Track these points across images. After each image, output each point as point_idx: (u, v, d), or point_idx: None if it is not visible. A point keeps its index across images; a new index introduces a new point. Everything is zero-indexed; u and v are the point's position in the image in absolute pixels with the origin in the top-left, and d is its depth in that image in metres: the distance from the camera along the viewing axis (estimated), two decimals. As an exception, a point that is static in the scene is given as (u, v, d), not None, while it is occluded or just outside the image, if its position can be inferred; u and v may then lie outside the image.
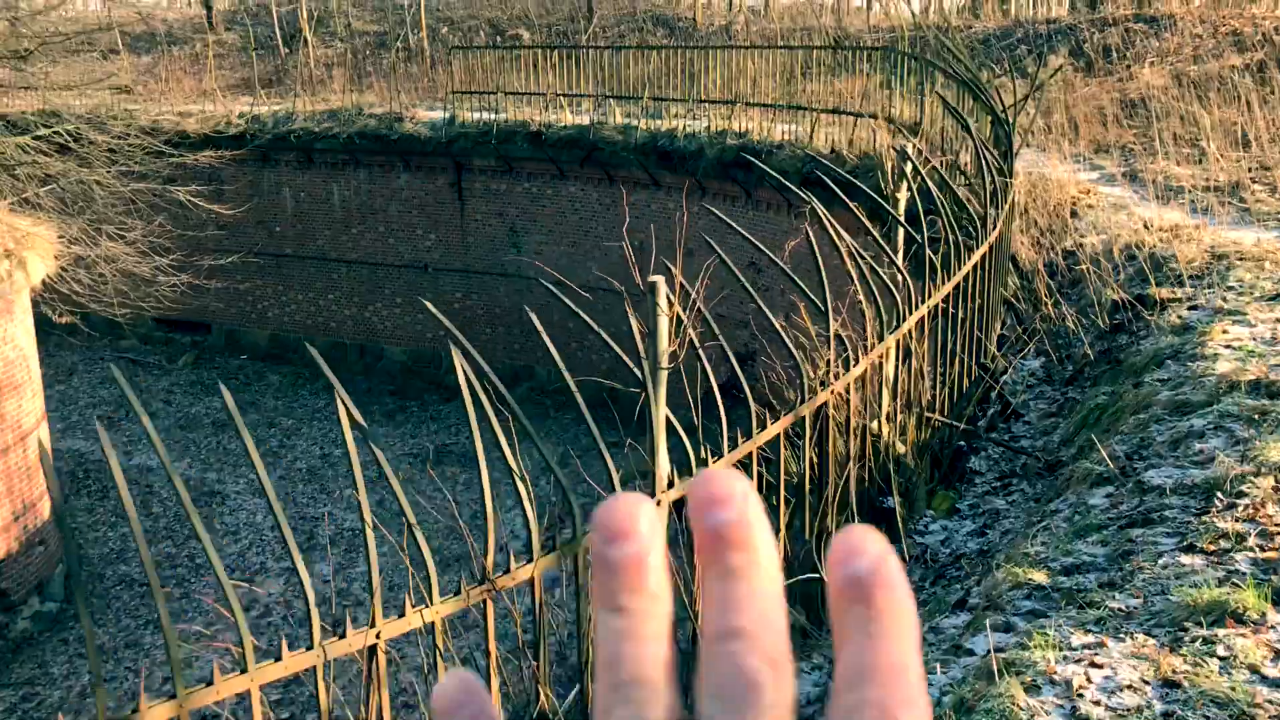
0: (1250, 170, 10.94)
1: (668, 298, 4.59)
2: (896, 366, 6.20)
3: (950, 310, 6.56)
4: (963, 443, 6.60)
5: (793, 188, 6.90)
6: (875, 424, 5.91)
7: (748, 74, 17.35)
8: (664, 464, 4.53)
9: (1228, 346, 6.03)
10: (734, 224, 5.78)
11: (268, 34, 29.06)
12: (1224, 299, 6.94)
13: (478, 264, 22.89)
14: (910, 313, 6.04)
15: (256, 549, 16.17)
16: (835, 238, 5.73)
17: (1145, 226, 9.02)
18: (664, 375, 4.55)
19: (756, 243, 5.41)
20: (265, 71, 27.75)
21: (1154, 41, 16.31)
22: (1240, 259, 7.82)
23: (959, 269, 6.57)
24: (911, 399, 6.12)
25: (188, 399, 22.77)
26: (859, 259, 5.72)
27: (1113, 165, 12.39)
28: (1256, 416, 4.87)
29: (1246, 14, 16.00)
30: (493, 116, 21.54)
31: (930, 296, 6.29)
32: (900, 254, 6.54)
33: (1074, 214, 10.36)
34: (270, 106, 24.53)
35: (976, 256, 6.74)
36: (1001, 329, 8.11)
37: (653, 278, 4.55)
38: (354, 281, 24.14)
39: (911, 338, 6.13)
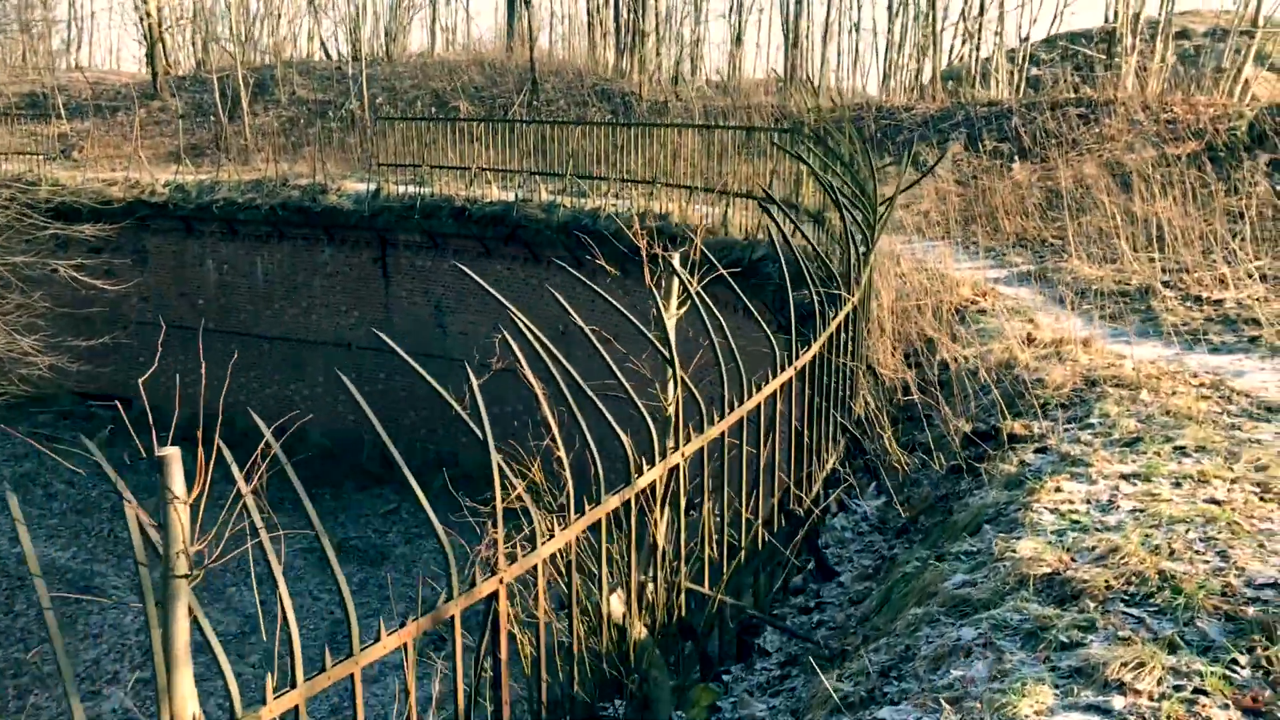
0: (1167, 272, 9.86)
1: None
2: (665, 522, 5.04)
3: (757, 438, 5.42)
4: (754, 613, 5.40)
5: (689, 283, 5.80)
6: (613, 598, 4.74)
7: (667, 153, 16.39)
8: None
9: (1053, 511, 4.87)
10: (623, 309, 4.70)
11: (212, 101, 28.31)
12: (1076, 441, 5.79)
13: (402, 343, 21.77)
14: (679, 447, 4.90)
15: (115, 654, 14.86)
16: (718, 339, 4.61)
17: (1027, 340, 7.91)
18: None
19: (579, 330, 4.29)
20: (204, 139, 26.96)
21: (1094, 128, 15.37)
22: (1116, 385, 6.68)
23: (752, 394, 5.44)
24: (668, 564, 4.95)
25: (90, 481, 21.56)
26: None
27: (1026, 262, 11.33)
28: (1036, 631, 3.70)
29: (1191, 100, 15.07)
30: (419, 190, 20.62)
31: (712, 425, 5.15)
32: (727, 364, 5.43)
33: (964, 319, 9.26)
34: (197, 175, 23.65)
35: (777, 382, 5.61)
36: (839, 460, 6.95)
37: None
38: (276, 358, 23.05)
39: (676, 482, 4.98)
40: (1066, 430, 6.04)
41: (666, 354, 5.02)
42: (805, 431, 6.23)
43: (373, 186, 21.24)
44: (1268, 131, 12.93)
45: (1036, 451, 5.84)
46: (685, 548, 5.10)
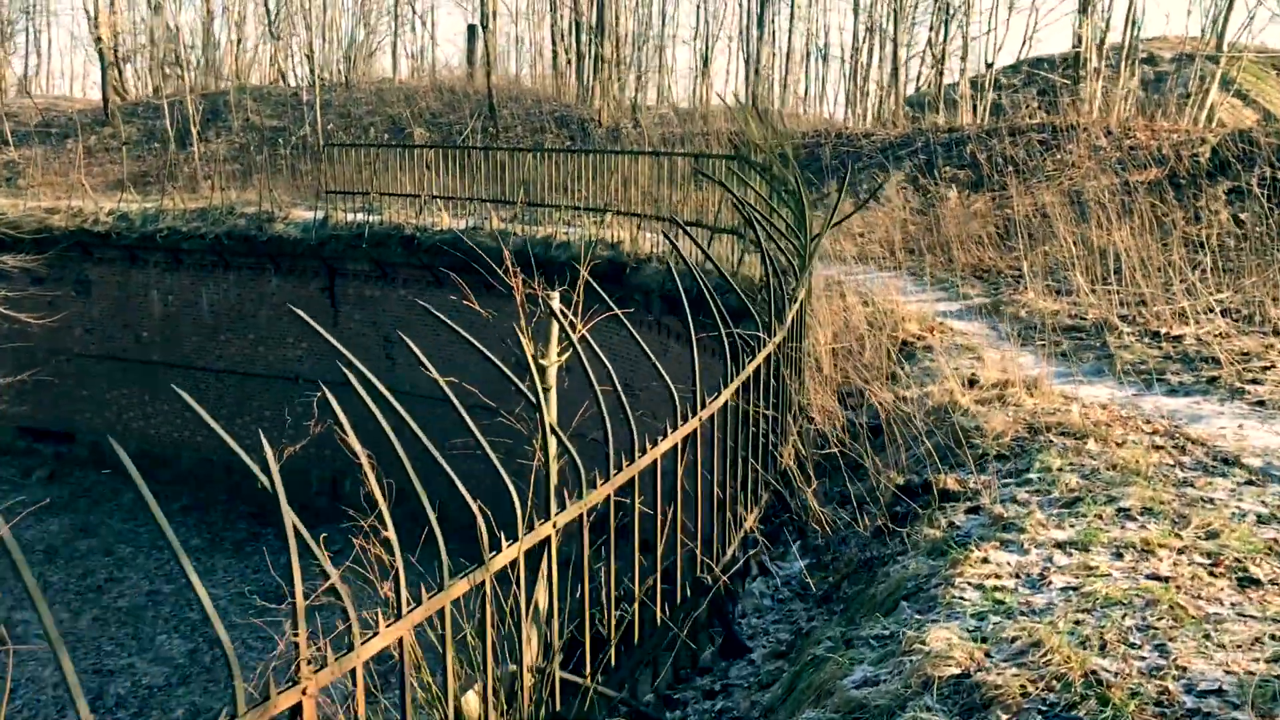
0: (1125, 305, 9.33)
1: None
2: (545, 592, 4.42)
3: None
4: (635, 705, 4.76)
5: (616, 310, 5.19)
6: (469, 695, 4.10)
7: (618, 180, 15.84)
8: None
9: (977, 587, 4.27)
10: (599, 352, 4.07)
11: (164, 127, 27.64)
12: (1012, 500, 5.20)
13: (341, 376, 21.13)
14: (550, 516, 4.28)
15: (29, 710, 14.05)
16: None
17: (969, 382, 7.33)
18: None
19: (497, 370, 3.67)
20: (155, 166, 26.27)
21: (1056, 154, 14.90)
22: (1061, 434, 6.10)
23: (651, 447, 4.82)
24: (521, 648, 4.31)
25: (26, 521, 20.72)
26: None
27: (981, 295, 10.78)
28: (937, 753, 3.08)
29: (1154, 126, 14.63)
30: (367, 218, 20.01)
31: (593, 489, 4.52)
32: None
33: (911, 356, 8.69)
34: (142, 204, 22.97)
35: (677, 435, 4.99)
36: (760, 517, 6.33)
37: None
38: (222, 391, 22.30)
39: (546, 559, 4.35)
40: (1004, 487, 5.45)
41: (533, 401, 4.40)
42: (719, 487, 5.62)
43: (320, 215, 20.61)
44: (1230, 159, 12.47)
45: (968, 512, 5.24)
46: (564, 629, 4.47)
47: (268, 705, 3.22)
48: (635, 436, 4.56)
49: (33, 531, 20.07)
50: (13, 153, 27.71)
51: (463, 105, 25.39)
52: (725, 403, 5.60)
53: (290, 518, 3.24)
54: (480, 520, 4.00)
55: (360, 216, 20.13)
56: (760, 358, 5.94)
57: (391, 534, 3.75)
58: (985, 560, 4.50)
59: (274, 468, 3.50)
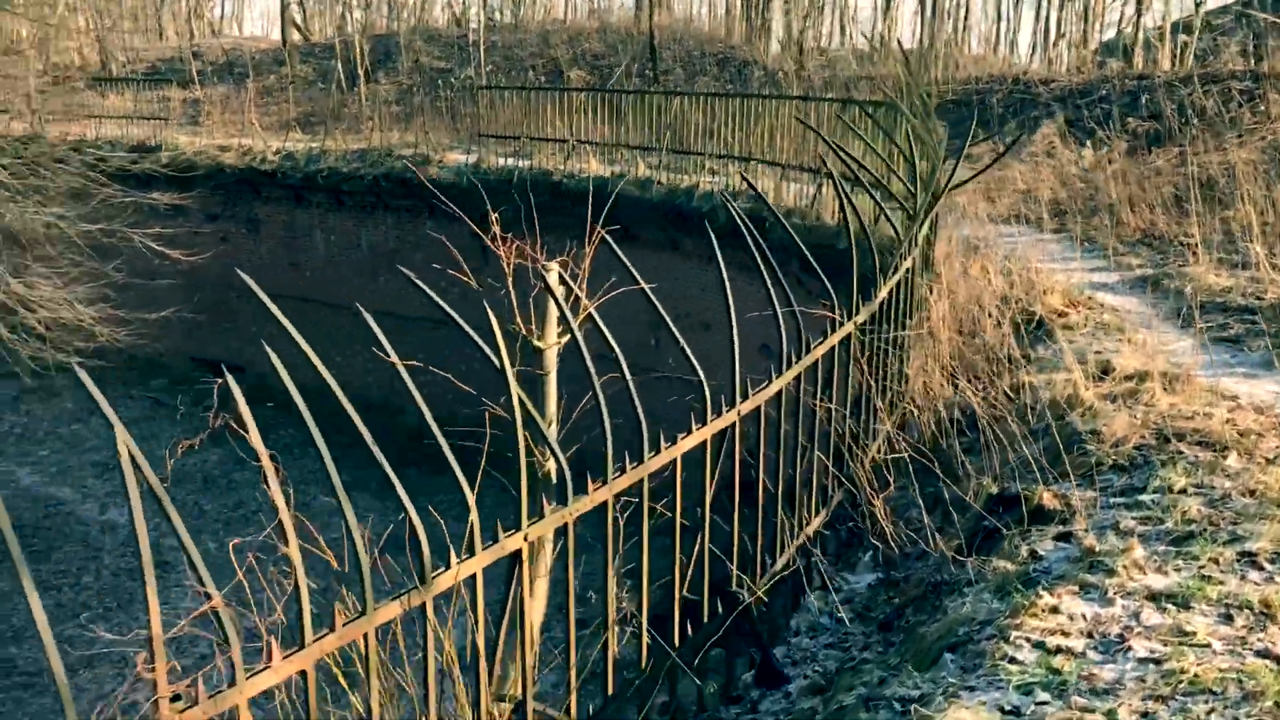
0: (1315, 285, 8.00)
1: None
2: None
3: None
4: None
5: (563, 307, 4.64)
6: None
7: (765, 127, 14.96)
8: None
9: (1037, 646, 3.46)
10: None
11: (335, 68, 28.09)
12: (1113, 527, 4.30)
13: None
14: (521, 527, 3.70)
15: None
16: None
17: (1103, 371, 6.32)
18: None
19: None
20: (325, 107, 26.72)
21: (1258, 106, 13.18)
22: (1197, 443, 5.10)
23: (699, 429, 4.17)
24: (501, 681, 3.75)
25: (190, 450, 21.52)
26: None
27: (1145, 265, 9.53)
28: None
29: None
30: (516, 164, 19.71)
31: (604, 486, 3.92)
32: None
33: (1049, 335, 7.65)
34: (307, 144, 23.35)
35: (711, 429, 4.31)
36: (828, 520, 5.57)
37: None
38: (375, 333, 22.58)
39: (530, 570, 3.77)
40: (1107, 509, 4.54)
41: (519, 396, 3.79)
42: (769, 484, 4.90)
43: (473, 159, 20.44)
44: None
45: (1058, 539, 4.37)
46: (531, 659, 3.89)
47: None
48: (646, 433, 3.89)
49: (193, 460, 20.84)
50: (198, 91, 28.70)
51: (625, 48, 24.76)
52: (780, 391, 4.86)
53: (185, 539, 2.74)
54: (422, 543, 3.44)
55: (511, 161, 19.85)
56: (829, 343, 5.15)
57: (324, 546, 3.23)
58: (1055, 610, 3.67)
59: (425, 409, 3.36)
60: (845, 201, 5.69)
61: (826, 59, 24.00)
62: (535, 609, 4.09)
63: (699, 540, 4.47)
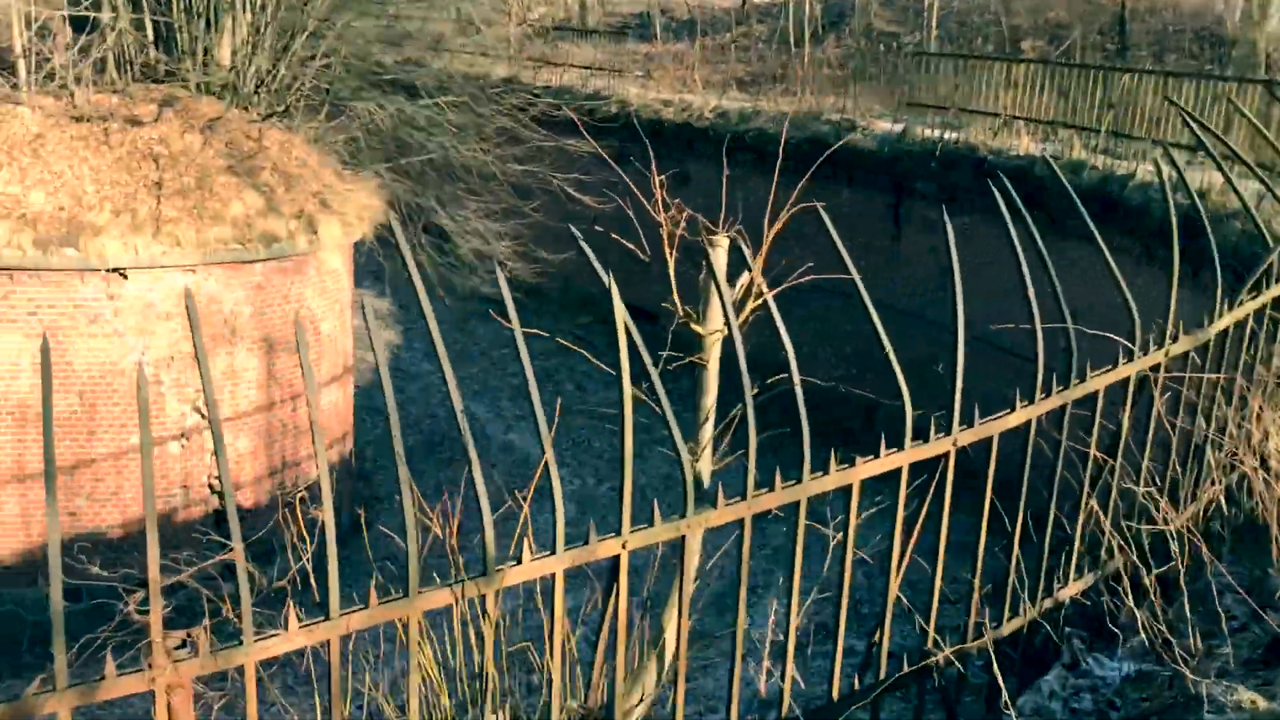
0: None
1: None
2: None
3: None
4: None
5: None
6: None
7: (1218, 114, 12.91)
8: None
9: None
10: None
11: (786, 29, 28.00)
12: None
13: (900, 302, 20.04)
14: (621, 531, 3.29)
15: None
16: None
17: None
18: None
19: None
20: (771, 67, 26.77)
21: None
22: None
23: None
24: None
25: (597, 385, 22.66)
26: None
27: None
28: None
29: None
30: (941, 136, 18.60)
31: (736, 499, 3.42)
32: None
33: None
34: (741, 103, 23.51)
35: (908, 456, 3.61)
36: (1105, 577, 4.53)
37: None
38: (778, 301, 22.43)
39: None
40: None
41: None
42: (1008, 528, 4.04)
43: (898, 128, 19.55)
44: None
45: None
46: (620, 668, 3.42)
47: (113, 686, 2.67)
48: (753, 456, 3.28)
49: (600, 396, 21.84)
50: (659, 46, 29.85)
51: (1096, 17, 22.48)
52: (1031, 420, 3.98)
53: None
54: (488, 517, 3.09)
55: (937, 133, 18.76)
56: (1114, 375, 4.15)
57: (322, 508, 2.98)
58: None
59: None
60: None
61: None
62: (669, 620, 3.61)
63: (895, 571, 3.77)
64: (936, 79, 19.46)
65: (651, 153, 6.41)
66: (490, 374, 23.52)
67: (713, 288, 3.63)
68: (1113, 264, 4.64)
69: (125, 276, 12.12)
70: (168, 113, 13.25)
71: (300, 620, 2.78)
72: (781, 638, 3.66)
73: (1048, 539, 4.18)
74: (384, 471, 17.38)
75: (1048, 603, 4.28)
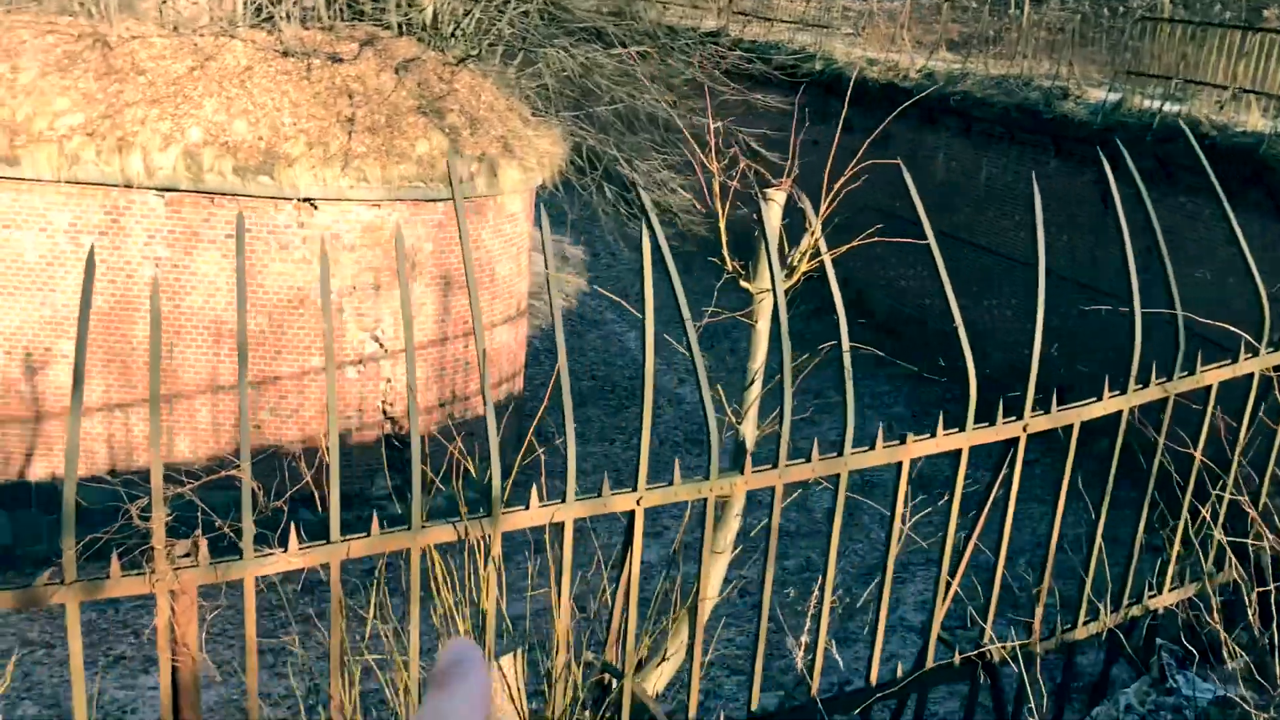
0: None
1: None
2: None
3: None
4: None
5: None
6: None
7: None
8: None
9: None
10: None
11: (1013, -11, 26.62)
12: None
13: (1105, 283, 18.91)
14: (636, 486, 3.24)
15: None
16: None
17: None
18: None
19: None
20: (987, 28, 25.58)
21: None
22: None
23: None
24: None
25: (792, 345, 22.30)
26: None
27: None
28: None
29: None
30: (1161, 108, 17.38)
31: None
32: None
33: None
34: (949, 65, 22.57)
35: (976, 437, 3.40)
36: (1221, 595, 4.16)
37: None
38: (974, 270, 21.57)
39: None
40: None
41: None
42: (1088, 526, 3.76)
43: (1114, 98, 18.35)
44: None
45: None
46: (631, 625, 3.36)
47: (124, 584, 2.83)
48: (787, 421, 3.13)
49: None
50: (872, 3, 28.98)
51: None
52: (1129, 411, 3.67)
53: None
54: (496, 459, 3.09)
55: (1156, 104, 17.53)
56: (1243, 368, 3.77)
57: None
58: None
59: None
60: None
61: None
62: (711, 583, 3.54)
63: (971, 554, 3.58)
64: (1162, 46, 18.14)
65: (845, 111, 6.24)
66: (670, 326, 23.53)
67: (763, 246, 3.48)
68: None
69: (315, 207, 12.73)
70: (367, 51, 13.77)
71: (300, 543, 2.85)
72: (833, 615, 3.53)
73: (1138, 542, 3.87)
74: (552, 413, 17.74)
75: (1135, 609, 3.98)
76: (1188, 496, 3.92)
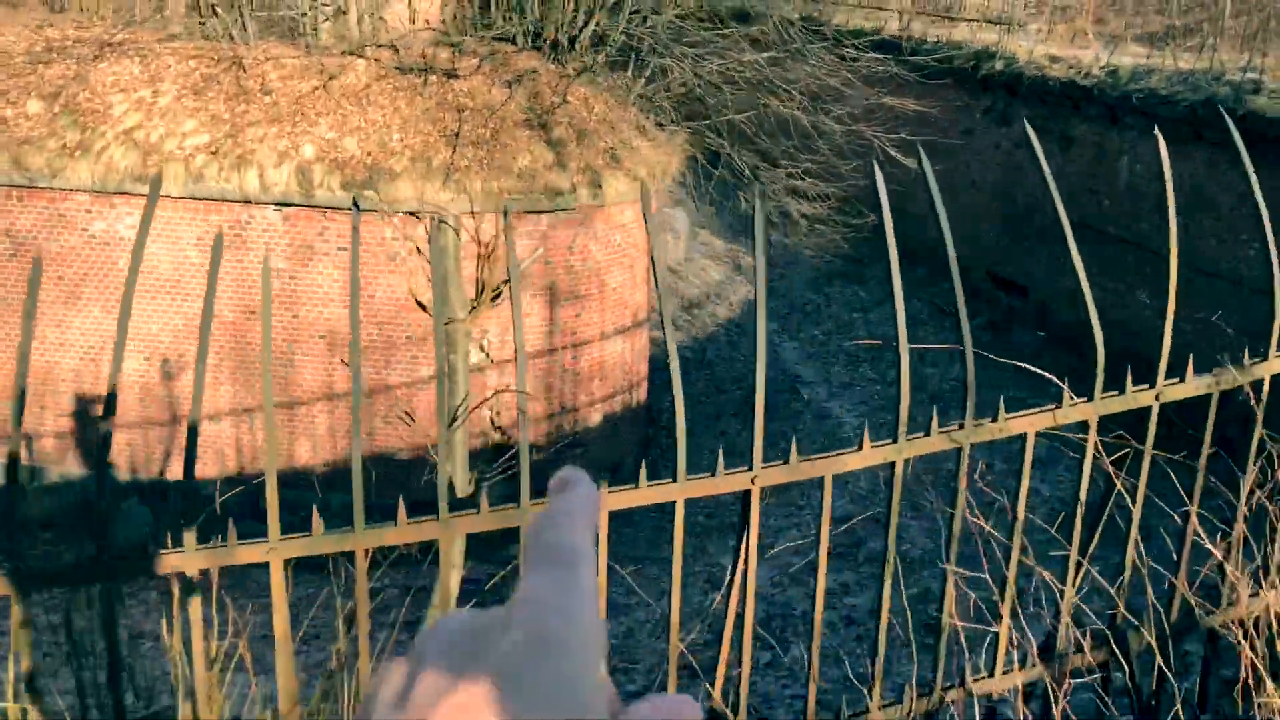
0: None
1: None
2: None
3: None
4: None
5: None
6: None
7: None
8: None
9: None
10: None
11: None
12: None
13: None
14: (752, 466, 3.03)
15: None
16: None
17: None
18: None
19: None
20: (1187, 20, 23.56)
21: None
22: None
23: None
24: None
25: (939, 357, 21.30)
26: None
27: None
28: None
29: None
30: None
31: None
32: None
33: None
34: (1133, 59, 20.89)
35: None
36: None
37: None
38: (1159, 280, 19.85)
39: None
40: None
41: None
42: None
43: (1314, 91, 16.49)
44: None
45: None
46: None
47: None
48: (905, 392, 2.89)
49: (947, 373, 20.57)
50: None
51: None
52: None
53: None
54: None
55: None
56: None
57: None
58: None
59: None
60: None
61: None
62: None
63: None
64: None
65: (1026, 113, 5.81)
66: (833, 338, 22.82)
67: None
68: None
69: (420, 219, 13.01)
70: (484, 66, 13.97)
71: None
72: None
73: (1237, 541, 3.39)
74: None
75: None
76: None
